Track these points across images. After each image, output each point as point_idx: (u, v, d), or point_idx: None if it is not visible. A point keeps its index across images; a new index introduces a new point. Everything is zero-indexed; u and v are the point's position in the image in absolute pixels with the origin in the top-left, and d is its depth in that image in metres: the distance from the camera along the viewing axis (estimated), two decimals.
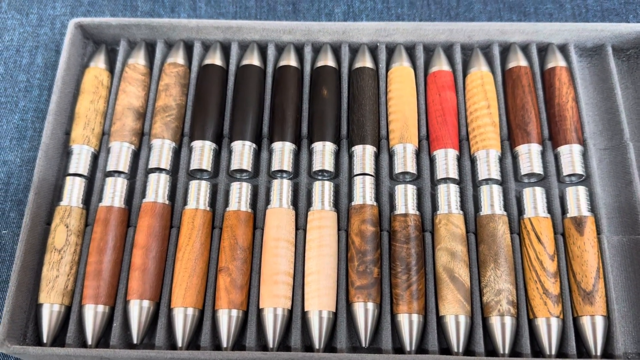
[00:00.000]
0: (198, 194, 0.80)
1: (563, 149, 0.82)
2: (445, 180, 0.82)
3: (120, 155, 0.83)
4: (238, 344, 0.75)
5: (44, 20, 1.01)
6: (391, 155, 0.84)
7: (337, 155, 0.85)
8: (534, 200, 0.79)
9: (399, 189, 0.80)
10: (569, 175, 0.82)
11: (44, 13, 1.02)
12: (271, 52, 0.91)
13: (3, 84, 0.95)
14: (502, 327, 0.73)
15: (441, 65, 0.88)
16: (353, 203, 0.80)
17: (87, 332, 0.74)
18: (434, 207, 0.81)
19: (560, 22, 0.91)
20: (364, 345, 0.74)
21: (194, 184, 0.81)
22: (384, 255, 0.77)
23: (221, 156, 0.84)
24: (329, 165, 0.82)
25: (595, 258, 0.75)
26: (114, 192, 0.80)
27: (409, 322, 0.73)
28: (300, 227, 0.80)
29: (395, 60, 0.89)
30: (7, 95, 0.95)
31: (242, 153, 0.83)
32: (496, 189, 0.79)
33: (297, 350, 0.73)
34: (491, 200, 0.79)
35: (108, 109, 0.87)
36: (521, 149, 0.82)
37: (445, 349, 0.75)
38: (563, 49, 0.91)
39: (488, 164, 0.81)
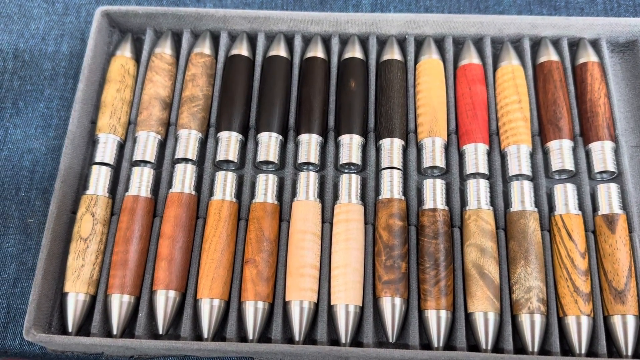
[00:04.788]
0: (224, 185, 0.79)
1: (594, 146, 0.81)
2: (475, 175, 0.81)
3: (146, 145, 0.82)
4: (264, 336, 0.75)
5: (69, 9, 1.01)
6: (419, 149, 0.83)
7: (365, 148, 0.84)
8: (565, 197, 0.78)
9: (428, 183, 0.79)
10: (600, 173, 0.81)
11: (70, 2, 1.01)
12: (298, 43, 0.90)
13: (29, 72, 0.95)
14: (531, 325, 0.72)
15: (471, 58, 0.87)
16: (380, 197, 0.79)
17: (113, 321, 0.74)
18: (463, 203, 0.80)
19: (592, 17, 0.90)
20: (390, 341, 0.73)
21: (220, 175, 0.80)
22: (411, 250, 0.76)
23: (247, 147, 0.84)
24: (356, 158, 0.81)
25: (627, 256, 0.74)
26: (140, 182, 0.79)
27: (436, 318, 0.72)
28: (327, 220, 0.79)
29: (424, 53, 0.88)
30: (32, 83, 0.94)
31: (268, 145, 0.82)
32: (527, 185, 0.78)
33: (324, 344, 0.72)
34: (522, 197, 0.77)
35: (134, 98, 0.86)
36: (552, 144, 0.81)
37: (474, 345, 0.74)
38: (595, 44, 0.89)
39: (519, 160, 0.80)
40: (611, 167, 0.80)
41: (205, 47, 0.89)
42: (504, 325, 0.73)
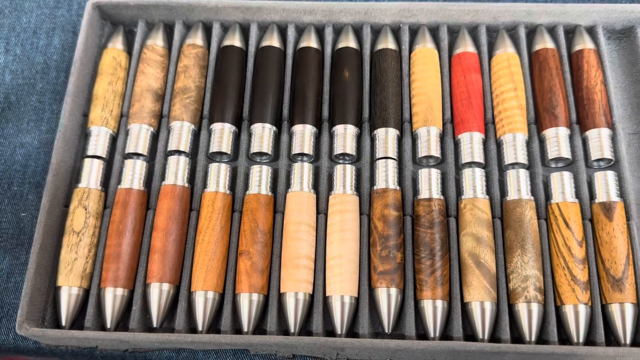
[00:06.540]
0: (218, 177, 0.79)
1: (591, 133, 0.80)
2: (471, 164, 0.80)
3: (139, 137, 0.82)
4: (259, 328, 0.74)
5: (61, 2, 1.00)
6: (414, 139, 0.83)
7: (359, 138, 0.83)
8: (562, 185, 0.77)
9: (423, 173, 0.79)
10: (597, 160, 0.80)
11: None
12: (291, 33, 0.89)
13: (20, 66, 0.94)
14: (528, 314, 0.71)
15: (466, 46, 0.86)
16: (375, 187, 0.78)
17: (106, 315, 0.73)
18: (459, 192, 0.79)
19: (588, 3, 0.89)
20: (386, 331, 0.72)
21: (213, 166, 0.79)
22: (407, 240, 0.76)
23: (241, 139, 0.83)
24: (350, 149, 0.81)
25: (625, 244, 0.73)
26: (133, 175, 0.79)
27: (432, 308, 0.72)
28: (321, 211, 0.78)
29: (418, 42, 0.87)
30: (24, 77, 0.94)
31: (262, 136, 0.82)
32: (523, 174, 0.77)
33: (319, 335, 0.72)
34: (518, 185, 0.77)
35: (126, 90, 0.86)
36: (548, 132, 0.80)
37: (470, 335, 0.73)
38: (591, 31, 0.89)
39: (515, 148, 0.79)
40: (608, 154, 0.79)
41: (197, 38, 0.88)
42: (501, 314, 0.72)
